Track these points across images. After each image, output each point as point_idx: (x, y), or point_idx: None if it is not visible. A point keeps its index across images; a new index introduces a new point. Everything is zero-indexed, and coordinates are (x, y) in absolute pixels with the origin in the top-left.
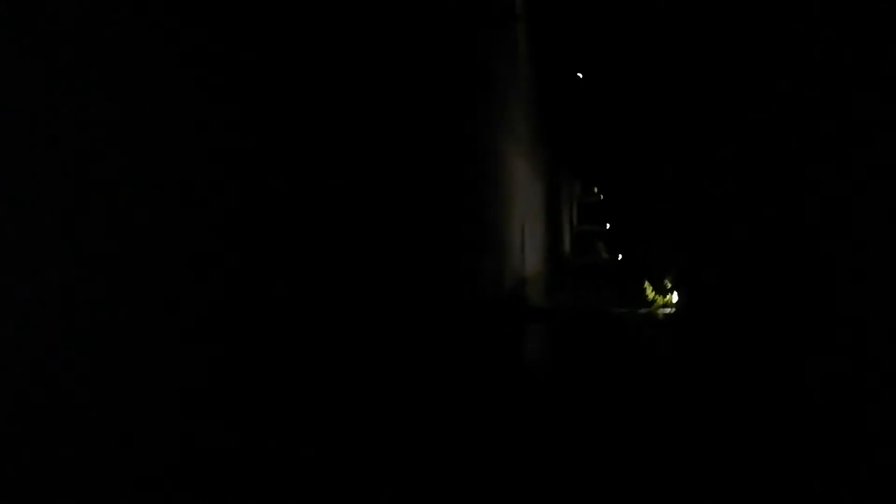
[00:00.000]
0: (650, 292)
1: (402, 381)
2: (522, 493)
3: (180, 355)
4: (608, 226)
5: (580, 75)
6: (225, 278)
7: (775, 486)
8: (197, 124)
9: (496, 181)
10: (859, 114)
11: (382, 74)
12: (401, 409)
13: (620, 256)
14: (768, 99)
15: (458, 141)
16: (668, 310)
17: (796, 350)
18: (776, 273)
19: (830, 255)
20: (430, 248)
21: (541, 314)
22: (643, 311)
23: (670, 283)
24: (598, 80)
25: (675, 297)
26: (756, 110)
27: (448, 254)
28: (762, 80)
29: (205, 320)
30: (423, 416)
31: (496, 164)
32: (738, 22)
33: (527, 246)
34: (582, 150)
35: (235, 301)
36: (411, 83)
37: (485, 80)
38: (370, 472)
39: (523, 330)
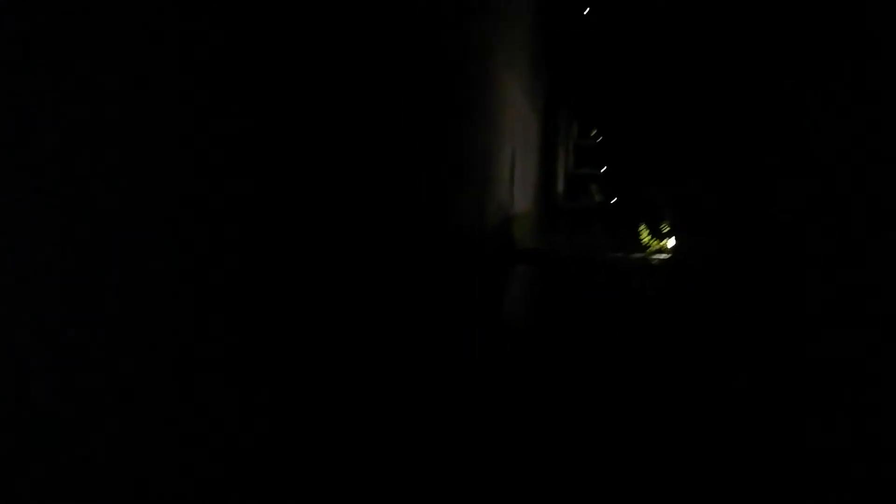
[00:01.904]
0: (646, 236)
1: (367, 326)
2: (504, 470)
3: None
4: (604, 169)
5: (586, 12)
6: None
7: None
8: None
9: (484, 103)
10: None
11: None
12: (368, 363)
13: (615, 200)
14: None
15: (436, 50)
16: (663, 255)
17: (804, 311)
18: (785, 222)
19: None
20: (394, 165)
21: (528, 256)
22: (637, 255)
23: (667, 227)
24: (601, 18)
25: (670, 242)
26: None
27: (417, 176)
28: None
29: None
30: (391, 370)
31: (485, 83)
32: None
33: (517, 182)
34: (581, 91)
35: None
36: None
37: None
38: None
39: (507, 272)
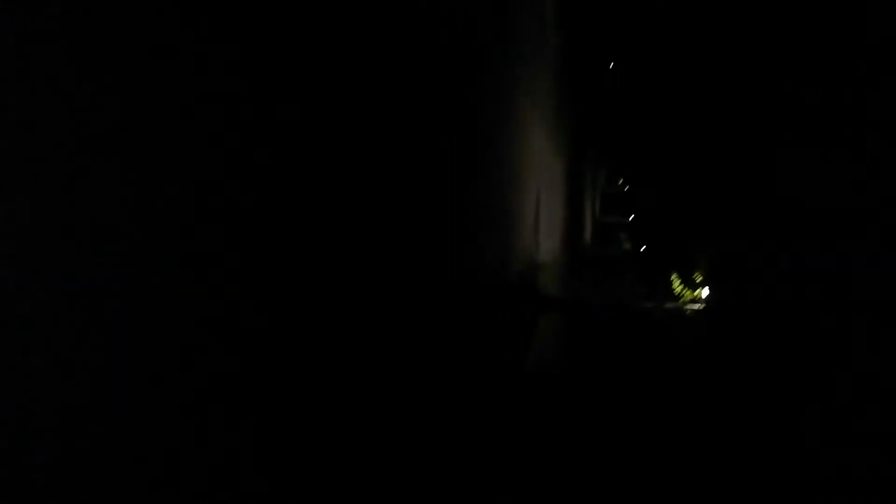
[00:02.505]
0: (678, 285)
1: (380, 375)
2: None
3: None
4: (632, 217)
5: (611, 65)
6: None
7: None
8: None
9: (508, 147)
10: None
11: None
12: (377, 412)
13: (644, 248)
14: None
15: (462, 86)
16: (697, 305)
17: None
18: (820, 269)
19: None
20: (417, 210)
21: (554, 304)
22: (670, 305)
23: (700, 276)
24: (628, 67)
25: (704, 292)
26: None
27: (441, 218)
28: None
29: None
30: (406, 422)
31: (510, 126)
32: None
33: (542, 227)
34: (608, 139)
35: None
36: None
37: (501, 30)
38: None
39: (532, 321)
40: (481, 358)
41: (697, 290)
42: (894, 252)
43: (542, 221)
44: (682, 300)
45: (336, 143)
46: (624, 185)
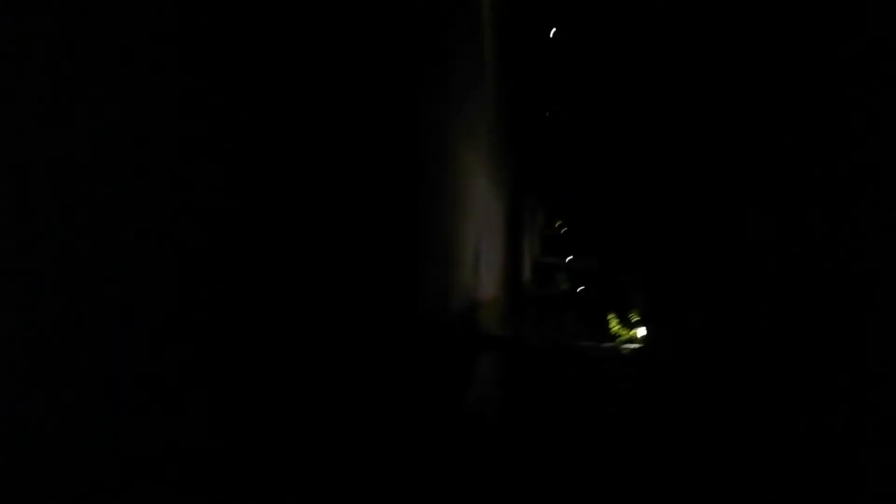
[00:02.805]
0: (615, 325)
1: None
2: None
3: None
4: (570, 258)
5: (547, 113)
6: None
7: None
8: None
9: (445, 182)
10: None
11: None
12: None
13: (581, 288)
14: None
15: (395, 117)
16: (633, 345)
17: (791, 404)
18: (769, 309)
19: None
20: (353, 241)
21: (495, 343)
22: (607, 345)
23: (636, 316)
24: (565, 110)
25: (640, 332)
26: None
27: (379, 250)
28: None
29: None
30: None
31: (446, 163)
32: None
33: (482, 266)
34: (545, 181)
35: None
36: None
37: (439, 62)
38: None
39: (472, 360)
40: (418, 394)
41: (633, 330)
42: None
43: (482, 260)
44: (619, 339)
45: (280, 174)
46: (562, 226)
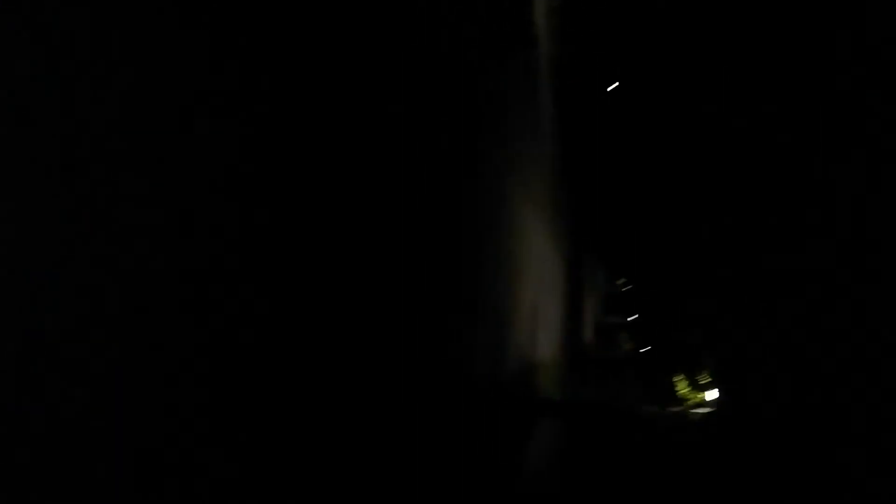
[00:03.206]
0: (683, 388)
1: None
2: None
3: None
4: (633, 318)
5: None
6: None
7: None
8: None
9: (503, 241)
10: None
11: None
12: None
13: (646, 349)
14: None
15: (451, 165)
16: (703, 409)
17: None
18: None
19: None
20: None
21: (554, 408)
22: (675, 409)
23: (707, 377)
24: (626, 162)
25: (711, 395)
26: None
27: (424, 308)
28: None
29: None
30: None
31: (502, 216)
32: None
33: (539, 326)
34: (607, 238)
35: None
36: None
37: (497, 113)
38: None
39: (530, 426)
40: (467, 466)
41: (703, 392)
42: None
43: (540, 321)
44: (687, 403)
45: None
46: (624, 285)
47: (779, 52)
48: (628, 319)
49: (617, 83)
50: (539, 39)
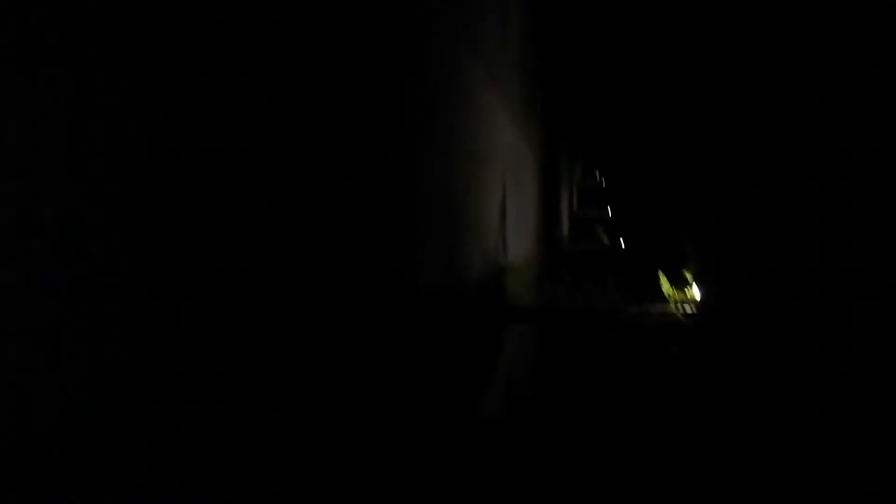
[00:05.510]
0: (666, 286)
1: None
2: None
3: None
4: (610, 211)
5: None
6: None
7: None
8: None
9: (459, 125)
10: None
11: None
12: None
13: (624, 243)
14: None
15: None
16: (687, 307)
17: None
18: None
19: None
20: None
21: (523, 314)
22: (657, 308)
23: (690, 274)
24: (604, 54)
25: (696, 292)
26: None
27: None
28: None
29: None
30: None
31: (458, 93)
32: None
33: (510, 227)
34: (584, 130)
35: None
36: None
37: None
38: None
39: (496, 335)
40: (422, 384)
41: (687, 290)
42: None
43: (510, 220)
44: (671, 301)
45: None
46: (602, 177)
47: None
48: (606, 213)
49: None
50: None
